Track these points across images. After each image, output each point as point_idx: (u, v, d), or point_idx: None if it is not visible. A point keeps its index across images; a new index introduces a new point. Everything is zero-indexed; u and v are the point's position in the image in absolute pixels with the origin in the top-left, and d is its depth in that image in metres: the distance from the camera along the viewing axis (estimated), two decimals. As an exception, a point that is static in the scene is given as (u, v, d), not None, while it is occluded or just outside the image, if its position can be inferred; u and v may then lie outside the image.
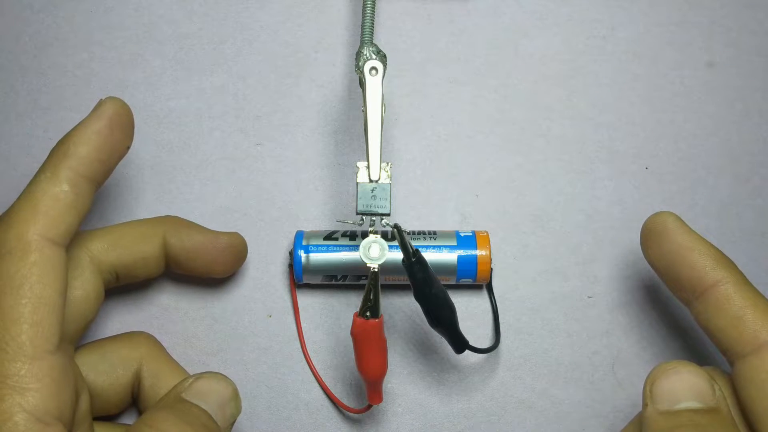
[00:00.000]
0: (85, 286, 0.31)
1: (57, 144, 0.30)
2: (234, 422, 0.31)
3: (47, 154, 0.30)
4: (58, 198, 0.28)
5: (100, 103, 0.31)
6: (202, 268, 0.35)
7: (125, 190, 0.38)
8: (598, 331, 0.37)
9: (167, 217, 0.35)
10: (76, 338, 0.32)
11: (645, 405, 0.28)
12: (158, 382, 0.33)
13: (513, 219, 0.38)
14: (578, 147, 0.39)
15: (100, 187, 0.31)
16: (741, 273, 0.31)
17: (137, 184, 0.39)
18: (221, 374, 0.31)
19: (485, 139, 0.39)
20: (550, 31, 0.41)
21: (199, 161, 0.39)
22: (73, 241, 0.32)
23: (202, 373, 0.31)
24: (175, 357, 0.35)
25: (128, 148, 0.32)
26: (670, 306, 0.37)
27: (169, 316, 0.37)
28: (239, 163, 0.39)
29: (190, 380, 0.30)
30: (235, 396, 0.31)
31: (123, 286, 0.35)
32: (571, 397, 0.36)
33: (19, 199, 0.29)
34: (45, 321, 0.27)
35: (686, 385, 0.28)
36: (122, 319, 0.37)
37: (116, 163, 0.31)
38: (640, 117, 0.40)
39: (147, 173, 0.39)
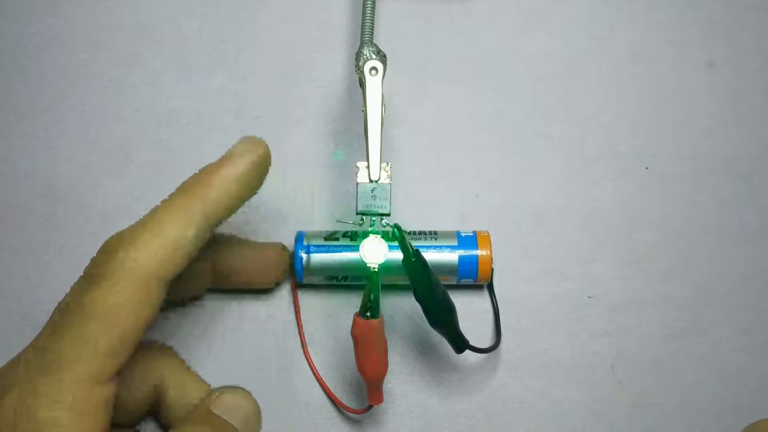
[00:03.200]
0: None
1: (194, 181, 0.29)
2: None
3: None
4: (183, 242, 0.27)
5: (243, 145, 0.29)
6: (253, 280, 0.35)
7: (125, 190, 0.38)
8: (598, 331, 0.37)
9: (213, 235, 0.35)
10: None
11: None
12: (183, 394, 0.32)
13: (513, 219, 0.38)
14: (578, 147, 0.39)
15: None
16: None
17: (137, 185, 0.39)
18: (245, 390, 0.31)
19: (485, 139, 0.39)
20: (550, 31, 0.41)
21: (199, 161, 0.39)
22: None
23: (227, 388, 0.31)
24: (175, 357, 0.35)
25: (257, 191, 0.30)
26: (670, 306, 0.37)
27: (169, 316, 0.37)
28: (239, 163, 0.39)
29: (216, 394, 0.30)
30: (258, 412, 0.31)
31: None
32: (571, 397, 0.36)
33: (143, 228, 0.28)
34: (121, 353, 0.26)
35: None
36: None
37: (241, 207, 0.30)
38: (640, 117, 0.40)
39: (147, 173, 0.39)
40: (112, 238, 0.28)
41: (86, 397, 0.26)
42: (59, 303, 0.28)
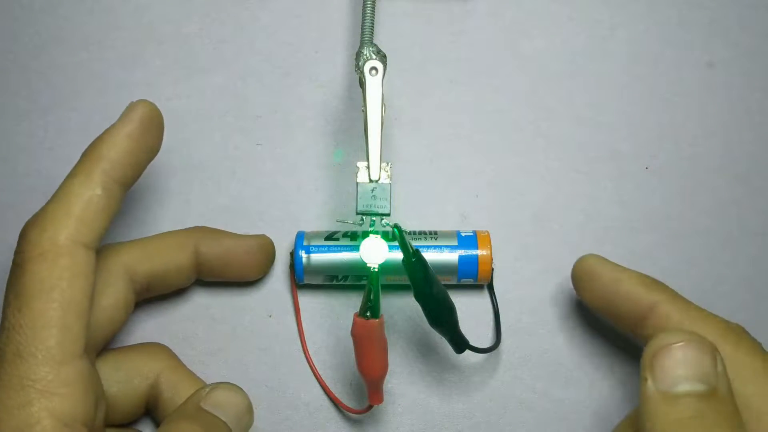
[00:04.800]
0: (116, 294, 0.32)
1: (89, 147, 0.30)
2: None
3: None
4: (92, 202, 0.28)
5: (131, 107, 0.31)
6: (236, 272, 0.35)
7: (125, 190, 0.38)
8: (598, 332, 0.37)
9: (197, 227, 0.36)
10: (100, 346, 0.32)
11: (644, 379, 0.26)
12: (178, 393, 0.32)
13: (513, 219, 0.38)
14: (578, 147, 0.39)
15: (129, 189, 0.31)
16: (672, 290, 0.32)
17: (137, 185, 0.38)
18: (236, 385, 0.31)
19: (485, 139, 0.39)
20: (550, 31, 0.41)
21: (199, 161, 0.39)
22: (107, 251, 0.32)
23: (218, 384, 0.31)
24: (175, 357, 0.35)
25: (158, 150, 0.32)
26: (670, 306, 0.37)
27: (169, 315, 0.37)
28: (239, 163, 0.39)
29: (207, 390, 0.30)
30: (250, 408, 0.31)
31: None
32: (571, 397, 0.36)
33: (51, 201, 0.29)
34: (74, 325, 0.27)
35: (689, 364, 0.26)
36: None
37: (146, 166, 0.31)
38: (640, 117, 0.40)
39: (147, 173, 0.39)
40: (27, 221, 0.29)
41: (53, 377, 0.26)
42: None
